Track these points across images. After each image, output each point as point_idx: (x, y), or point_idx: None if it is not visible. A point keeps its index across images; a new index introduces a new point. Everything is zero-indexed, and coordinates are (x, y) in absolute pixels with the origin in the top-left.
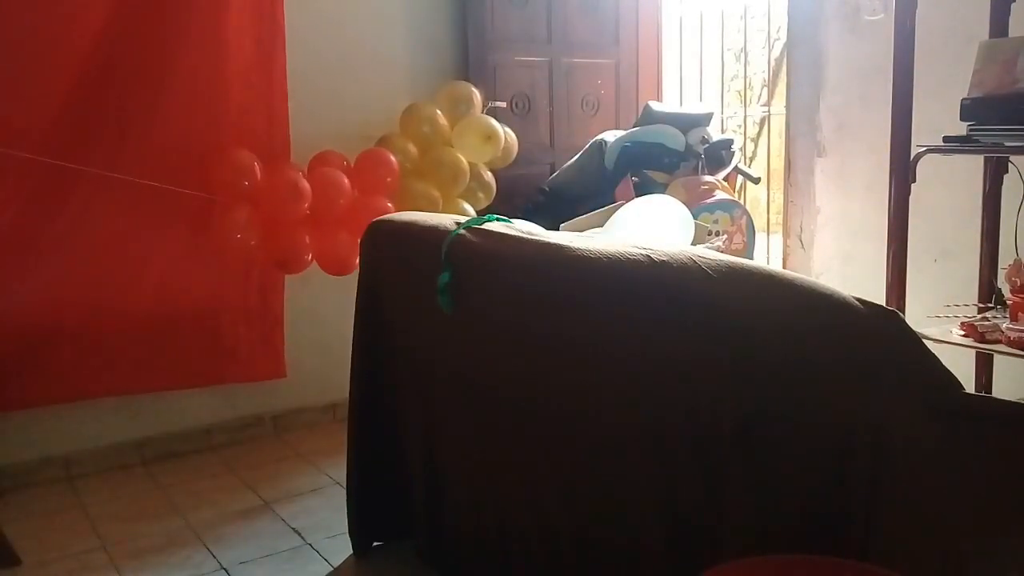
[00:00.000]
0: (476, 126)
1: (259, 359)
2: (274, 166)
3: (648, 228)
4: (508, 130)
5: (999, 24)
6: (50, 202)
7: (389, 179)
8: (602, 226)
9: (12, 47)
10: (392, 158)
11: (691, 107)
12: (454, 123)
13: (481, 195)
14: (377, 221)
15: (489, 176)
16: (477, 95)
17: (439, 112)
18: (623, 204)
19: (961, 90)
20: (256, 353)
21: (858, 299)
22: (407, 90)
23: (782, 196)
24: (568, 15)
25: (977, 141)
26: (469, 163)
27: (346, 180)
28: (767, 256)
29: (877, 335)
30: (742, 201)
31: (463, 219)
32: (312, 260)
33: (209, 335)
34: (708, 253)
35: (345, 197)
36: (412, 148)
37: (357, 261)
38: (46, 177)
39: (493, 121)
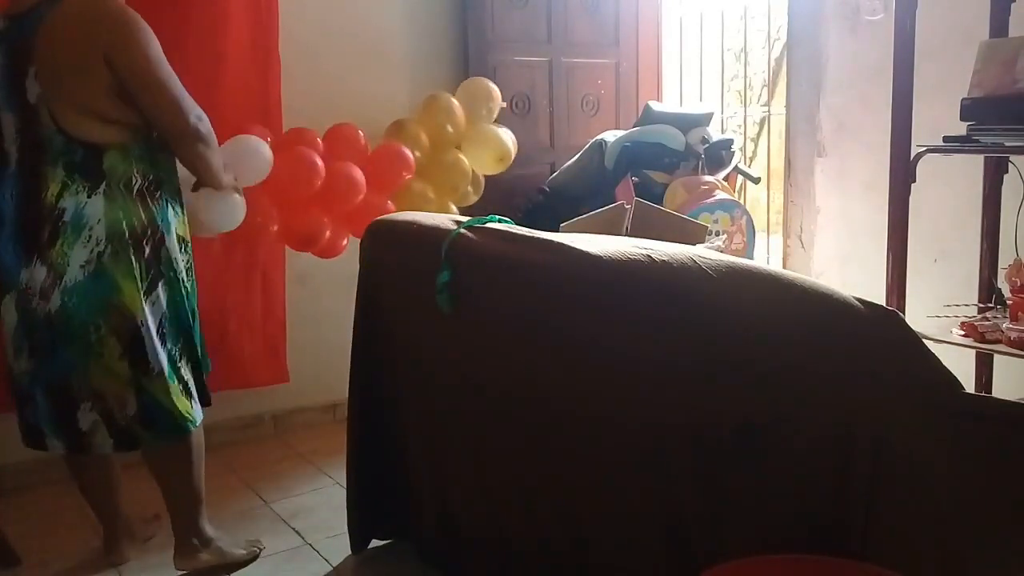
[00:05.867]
0: (492, 144)
1: (263, 366)
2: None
3: None
4: (509, 133)
5: (999, 24)
6: None
7: (406, 174)
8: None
9: None
10: (409, 154)
11: (691, 107)
12: (471, 121)
13: (470, 190)
14: (377, 221)
15: (480, 175)
16: (497, 92)
17: (455, 103)
18: (623, 204)
19: (961, 90)
20: (260, 360)
21: (858, 299)
22: (406, 91)
23: (782, 196)
24: (568, 15)
25: (977, 141)
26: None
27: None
28: (767, 256)
29: (877, 335)
30: (742, 201)
31: (463, 219)
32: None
33: (213, 342)
34: (708, 253)
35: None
36: (424, 138)
37: (344, 244)
38: None
39: (508, 139)
